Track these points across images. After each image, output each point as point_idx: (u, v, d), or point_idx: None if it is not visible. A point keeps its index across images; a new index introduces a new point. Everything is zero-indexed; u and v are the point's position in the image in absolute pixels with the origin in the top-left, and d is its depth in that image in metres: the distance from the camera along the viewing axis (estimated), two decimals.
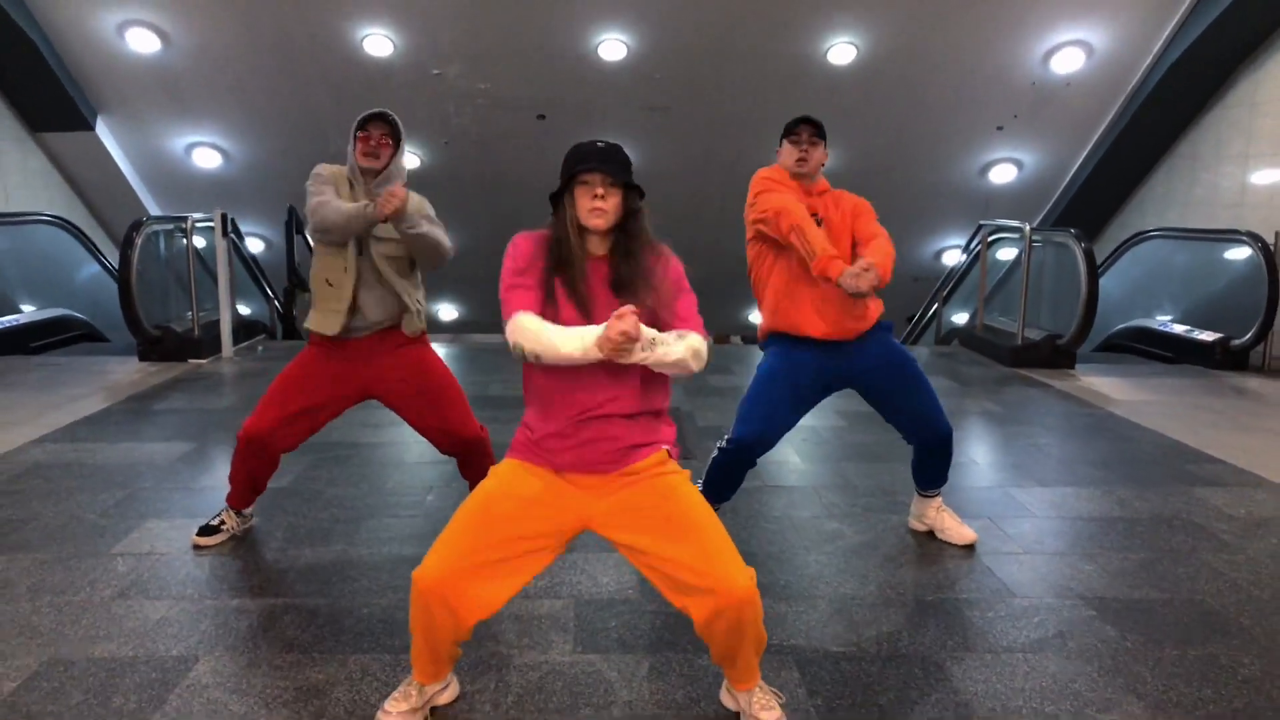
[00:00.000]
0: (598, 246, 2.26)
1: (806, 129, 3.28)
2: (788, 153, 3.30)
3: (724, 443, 3.36)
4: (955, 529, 3.60)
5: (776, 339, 3.35)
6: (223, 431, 5.10)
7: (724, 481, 3.43)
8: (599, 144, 2.25)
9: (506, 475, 2.25)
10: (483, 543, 2.14)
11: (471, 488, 2.99)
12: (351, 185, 3.27)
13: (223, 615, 2.95)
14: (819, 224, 3.19)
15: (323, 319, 3.25)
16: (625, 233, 2.25)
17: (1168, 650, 2.79)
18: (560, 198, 2.25)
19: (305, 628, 2.87)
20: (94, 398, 5.83)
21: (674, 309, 2.24)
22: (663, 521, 2.16)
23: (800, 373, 3.29)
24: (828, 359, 3.27)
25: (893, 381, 3.34)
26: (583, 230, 2.23)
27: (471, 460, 3.48)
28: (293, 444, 3.36)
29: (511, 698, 2.49)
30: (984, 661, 2.72)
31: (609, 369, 2.17)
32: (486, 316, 11.14)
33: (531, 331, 2.11)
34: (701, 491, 3.25)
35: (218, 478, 4.30)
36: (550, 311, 2.18)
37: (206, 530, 3.50)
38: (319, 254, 3.27)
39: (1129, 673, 2.66)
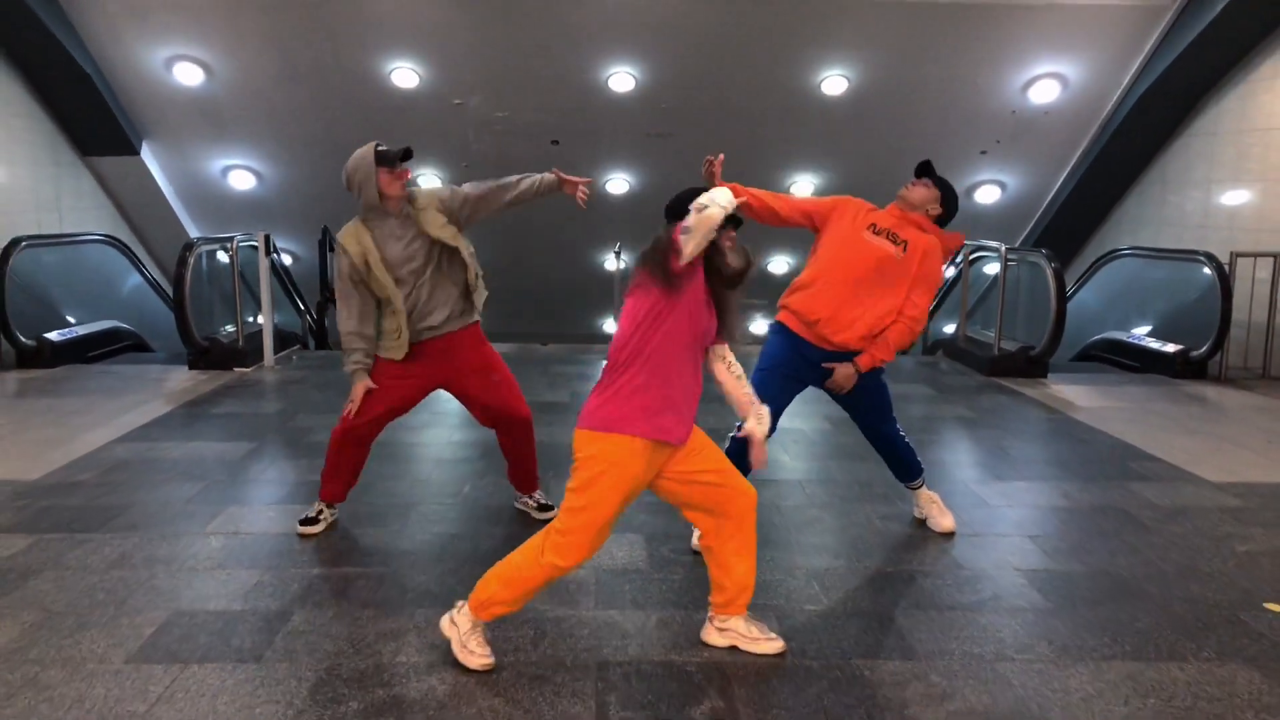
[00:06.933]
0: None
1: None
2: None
3: (737, 433, 3.94)
4: (936, 518, 4.21)
5: (775, 327, 3.97)
6: (277, 434, 5.76)
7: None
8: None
9: (623, 459, 2.80)
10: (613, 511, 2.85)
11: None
12: (372, 229, 3.77)
13: (307, 581, 3.60)
14: (897, 243, 3.80)
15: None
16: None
17: (1080, 609, 3.43)
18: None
19: (376, 590, 3.52)
20: (156, 402, 6.48)
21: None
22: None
23: (787, 365, 3.91)
24: (803, 356, 3.88)
25: (855, 394, 3.95)
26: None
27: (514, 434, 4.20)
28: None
29: (547, 641, 3.14)
30: (929, 617, 3.36)
31: (695, 359, 2.89)
32: (501, 328, 11.75)
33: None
34: None
35: (282, 472, 4.96)
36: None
37: (307, 521, 4.11)
38: None
39: (1045, 625, 3.30)
